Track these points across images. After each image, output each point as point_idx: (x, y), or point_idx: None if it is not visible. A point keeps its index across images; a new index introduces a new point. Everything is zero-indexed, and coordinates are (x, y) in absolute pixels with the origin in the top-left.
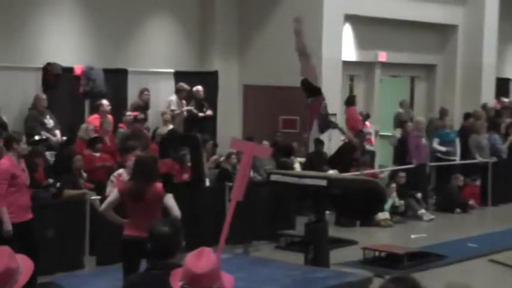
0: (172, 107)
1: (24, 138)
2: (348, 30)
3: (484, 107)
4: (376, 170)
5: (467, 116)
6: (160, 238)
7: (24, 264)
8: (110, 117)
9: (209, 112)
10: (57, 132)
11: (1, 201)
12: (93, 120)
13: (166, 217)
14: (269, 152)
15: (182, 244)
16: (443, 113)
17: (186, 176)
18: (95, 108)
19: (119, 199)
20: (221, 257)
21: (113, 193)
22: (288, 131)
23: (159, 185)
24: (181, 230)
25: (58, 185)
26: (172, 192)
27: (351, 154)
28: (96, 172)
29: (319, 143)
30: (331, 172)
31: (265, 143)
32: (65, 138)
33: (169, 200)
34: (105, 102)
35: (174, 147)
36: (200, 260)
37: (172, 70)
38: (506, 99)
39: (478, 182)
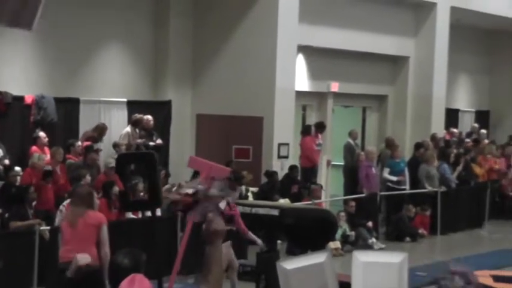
0: (126, 141)
1: None
2: (301, 61)
3: (434, 137)
4: (328, 199)
5: (417, 146)
6: (120, 270)
7: None
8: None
9: (159, 141)
10: (7, 161)
11: None
12: (35, 151)
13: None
14: (227, 172)
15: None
16: (389, 143)
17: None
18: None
19: None
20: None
21: None
22: (240, 160)
23: (97, 214)
24: (141, 261)
25: (7, 215)
26: (130, 210)
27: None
28: (47, 202)
29: (271, 172)
30: (283, 201)
31: None
32: (1, 167)
33: (104, 233)
34: (42, 134)
35: (130, 166)
36: (133, 286)
37: (125, 99)
38: (455, 130)
39: (428, 212)
